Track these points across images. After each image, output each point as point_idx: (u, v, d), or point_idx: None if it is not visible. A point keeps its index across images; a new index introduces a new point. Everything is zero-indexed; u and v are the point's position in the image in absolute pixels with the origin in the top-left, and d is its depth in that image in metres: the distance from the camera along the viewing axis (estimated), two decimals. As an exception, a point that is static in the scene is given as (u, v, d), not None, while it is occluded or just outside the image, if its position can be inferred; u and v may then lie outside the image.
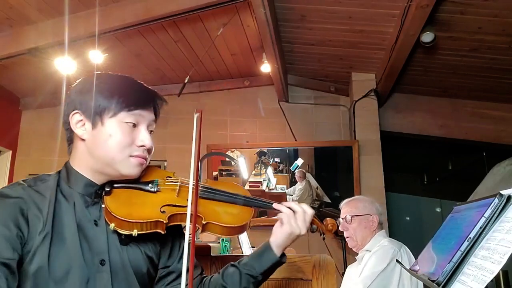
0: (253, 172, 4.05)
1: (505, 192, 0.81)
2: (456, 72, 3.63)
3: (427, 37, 2.94)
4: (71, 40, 2.91)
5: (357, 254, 2.27)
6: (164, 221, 0.98)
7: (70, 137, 1.06)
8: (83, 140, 1.01)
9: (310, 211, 1.12)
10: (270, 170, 4.05)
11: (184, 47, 3.54)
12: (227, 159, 4.03)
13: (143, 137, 1.02)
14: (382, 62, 3.60)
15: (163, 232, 0.99)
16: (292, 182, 4.00)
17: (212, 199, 1.10)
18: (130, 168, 1.01)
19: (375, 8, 2.93)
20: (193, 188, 0.98)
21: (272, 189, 4.00)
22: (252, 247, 2.32)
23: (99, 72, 1.07)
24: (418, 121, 4.14)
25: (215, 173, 4.06)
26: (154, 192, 1.05)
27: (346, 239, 2.26)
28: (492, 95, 3.90)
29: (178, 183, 1.08)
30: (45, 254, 0.90)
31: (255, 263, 1.08)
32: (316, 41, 3.53)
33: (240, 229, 1.08)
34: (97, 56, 3.06)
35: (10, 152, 4.05)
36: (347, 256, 3.20)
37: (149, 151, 1.04)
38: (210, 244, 1.70)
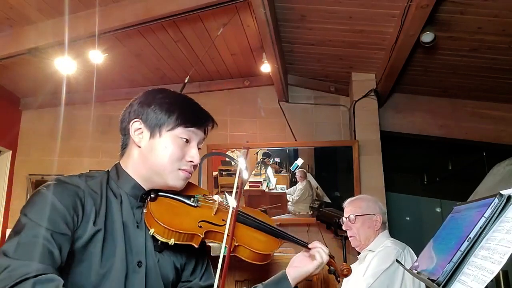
0: (253, 172, 4.05)
1: (505, 192, 0.81)
2: (456, 72, 3.62)
3: (427, 37, 2.94)
4: (71, 40, 2.91)
5: (359, 253, 2.27)
6: (201, 236, 1.02)
7: (125, 142, 1.13)
8: (139, 147, 1.08)
9: (327, 258, 1.20)
10: (270, 170, 4.05)
11: (184, 47, 3.54)
12: (227, 159, 4.03)
13: (193, 153, 1.10)
14: (382, 62, 3.59)
15: (196, 246, 1.03)
16: (292, 182, 4.00)
17: (245, 223, 1.16)
18: (177, 180, 1.08)
19: (375, 8, 2.93)
20: (233, 210, 1.04)
21: (272, 189, 4.00)
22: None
23: (159, 88, 1.16)
24: (418, 121, 4.13)
25: (215, 173, 4.06)
26: (194, 206, 1.12)
27: (350, 239, 2.26)
28: (492, 95, 3.90)
29: (217, 203, 1.15)
30: (98, 248, 0.95)
31: None
32: (316, 41, 3.53)
33: (266, 257, 1.12)
34: (97, 56, 3.06)
35: (10, 152, 4.05)
36: (348, 256, 3.20)
37: (195, 167, 1.11)
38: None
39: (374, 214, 2.19)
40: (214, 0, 2.75)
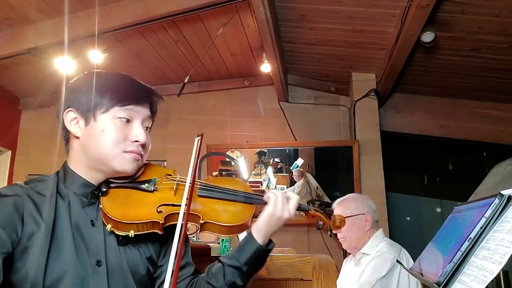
0: (253, 172, 4.05)
1: (506, 192, 0.81)
2: (456, 72, 3.62)
3: (428, 37, 2.93)
4: (71, 40, 2.91)
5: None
6: (161, 221, 0.97)
7: (67, 136, 1.05)
8: (78, 137, 1.01)
9: (295, 196, 1.09)
10: (270, 170, 4.05)
11: (184, 47, 3.54)
12: (227, 159, 4.02)
13: (137, 132, 1.00)
14: (382, 62, 3.59)
15: (160, 233, 0.98)
16: (292, 182, 4.00)
17: (211, 197, 1.07)
18: (124, 164, 0.99)
19: (376, 8, 2.93)
20: (189, 186, 0.97)
21: (272, 189, 4.00)
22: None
23: (92, 71, 1.06)
24: (418, 121, 4.13)
25: (215, 173, 4.06)
26: (151, 191, 1.03)
27: (340, 241, 2.20)
28: (492, 95, 3.90)
29: (176, 182, 1.06)
30: (43, 255, 0.89)
31: (238, 253, 1.03)
32: (317, 41, 3.52)
33: (240, 228, 1.06)
34: (97, 56, 3.05)
35: (10, 152, 4.05)
36: (347, 256, 3.19)
37: (144, 146, 1.02)
38: (210, 245, 1.70)
39: (363, 214, 2.13)
40: (214, 0, 2.74)
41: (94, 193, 1.01)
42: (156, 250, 1.06)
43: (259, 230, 1.04)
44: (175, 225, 0.98)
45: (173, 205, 1.01)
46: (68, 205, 0.97)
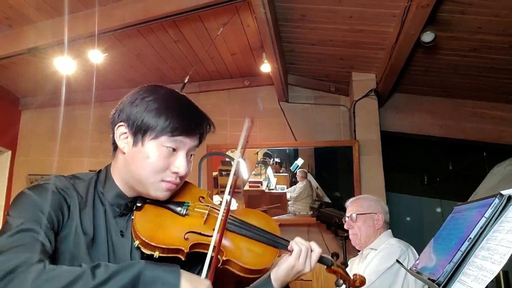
0: (253, 172, 4.05)
1: (506, 192, 0.81)
2: (457, 72, 3.62)
3: (428, 37, 2.93)
4: (71, 40, 2.91)
5: (359, 251, 2.27)
6: (186, 250, 0.98)
7: (115, 144, 1.06)
8: (124, 153, 1.02)
9: (318, 250, 1.10)
10: (270, 170, 4.05)
11: (184, 47, 3.54)
12: (227, 159, 4.02)
13: (179, 164, 1.00)
14: (383, 62, 3.59)
15: (183, 259, 0.99)
16: (293, 182, 3.99)
17: (238, 233, 1.07)
18: (159, 192, 1.01)
19: (376, 8, 2.93)
20: (221, 220, 0.98)
21: (272, 189, 3.99)
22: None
23: (152, 85, 1.07)
24: (418, 121, 4.13)
25: (215, 173, 4.06)
26: (182, 215, 1.05)
27: (350, 237, 2.27)
28: (493, 95, 3.90)
29: (207, 210, 1.07)
30: (84, 253, 0.93)
31: None
32: (317, 41, 3.52)
33: (259, 272, 1.05)
34: (96, 56, 3.05)
35: (10, 152, 4.05)
36: (348, 256, 3.19)
37: (182, 177, 1.03)
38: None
39: (376, 213, 2.21)
40: (214, 0, 2.74)
41: (128, 206, 1.04)
42: None
43: (277, 279, 1.07)
44: (198, 252, 1.00)
45: (200, 234, 1.02)
46: (105, 211, 1.01)
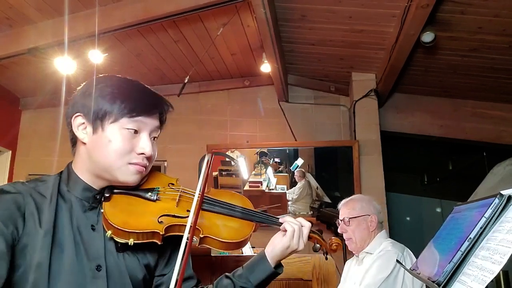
0: (253, 172, 4.05)
1: (506, 192, 0.81)
2: (456, 72, 3.62)
3: (427, 37, 2.93)
4: (71, 40, 2.91)
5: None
6: (161, 232, 0.96)
7: (73, 139, 1.03)
8: (84, 143, 0.99)
9: (307, 224, 1.11)
10: (270, 170, 4.05)
11: (184, 47, 3.54)
12: (227, 159, 4.02)
13: (144, 144, 0.99)
14: (382, 62, 3.59)
15: (159, 243, 0.98)
16: (293, 183, 4.00)
17: (212, 211, 1.07)
18: (128, 176, 0.99)
19: (376, 8, 2.93)
20: (197, 201, 0.97)
21: (272, 189, 3.99)
22: (252, 247, 2.31)
23: (104, 75, 1.04)
24: (418, 121, 4.13)
25: (215, 173, 4.06)
26: (153, 200, 1.03)
27: (346, 242, 2.22)
28: (493, 95, 3.90)
29: (179, 193, 1.06)
30: (46, 257, 0.88)
31: (250, 274, 1.06)
32: (316, 41, 3.52)
33: (238, 245, 1.06)
34: (96, 56, 3.05)
35: (10, 152, 4.06)
36: (347, 256, 3.19)
37: (149, 158, 1.02)
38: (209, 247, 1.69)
39: (369, 215, 2.17)
40: (214, 0, 2.74)
41: (96, 198, 1.01)
42: (154, 258, 1.06)
43: (273, 258, 1.07)
44: (174, 235, 0.99)
45: (174, 216, 1.01)
46: (70, 208, 0.97)
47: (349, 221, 2.18)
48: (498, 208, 0.80)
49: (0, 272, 0.83)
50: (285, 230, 1.08)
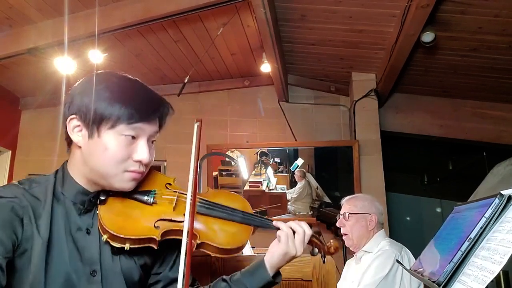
0: (253, 172, 4.05)
1: (506, 192, 0.81)
2: (457, 72, 3.62)
3: (428, 37, 2.93)
4: (71, 40, 2.91)
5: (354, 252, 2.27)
6: (157, 238, 0.95)
7: (69, 139, 1.00)
8: (79, 147, 0.96)
9: (309, 232, 1.07)
10: (270, 170, 4.05)
11: (184, 47, 3.54)
12: (227, 159, 4.02)
13: (141, 151, 0.95)
14: (382, 62, 3.59)
15: (155, 248, 0.96)
16: (293, 183, 4.00)
17: (209, 215, 1.05)
18: (124, 183, 0.96)
19: (376, 8, 2.93)
20: (190, 204, 0.92)
21: (272, 189, 3.99)
22: (253, 247, 2.31)
23: (103, 71, 1.00)
24: (418, 121, 4.13)
25: (215, 173, 4.06)
26: (150, 204, 1.01)
27: (343, 237, 2.26)
28: (493, 95, 3.90)
29: (176, 196, 1.03)
30: (41, 262, 0.87)
31: (247, 281, 1.03)
32: (316, 41, 3.52)
33: (235, 251, 1.04)
34: (97, 56, 3.05)
35: (10, 152, 4.05)
36: (348, 256, 3.19)
37: (146, 165, 0.99)
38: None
39: (369, 214, 2.19)
40: (214, 0, 2.74)
41: (91, 201, 0.98)
42: (150, 258, 1.05)
43: (272, 266, 1.05)
44: (171, 239, 0.98)
45: (171, 220, 0.99)
46: (65, 211, 0.95)
47: (348, 216, 2.20)
48: (498, 208, 0.80)
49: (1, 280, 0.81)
50: (279, 238, 1.05)
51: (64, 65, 3.06)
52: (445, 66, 3.55)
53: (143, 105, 0.96)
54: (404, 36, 2.97)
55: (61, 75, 3.22)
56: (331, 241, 1.14)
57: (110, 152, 0.92)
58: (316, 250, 1.14)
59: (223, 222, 1.05)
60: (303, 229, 1.06)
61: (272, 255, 1.05)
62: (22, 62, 3.34)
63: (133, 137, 0.94)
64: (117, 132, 0.93)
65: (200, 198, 1.06)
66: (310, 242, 1.12)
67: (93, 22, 2.83)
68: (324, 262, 1.19)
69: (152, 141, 1.01)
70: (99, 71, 1.00)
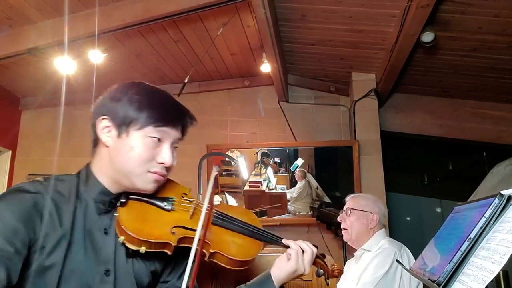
0: (253, 172, 4.05)
1: (505, 192, 0.81)
2: (456, 72, 3.62)
3: (427, 37, 2.93)
4: (71, 40, 2.91)
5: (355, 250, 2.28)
6: (173, 244, 0.97)
7: (95, 141, 1.06)
8: (107, 146, 1.01)
9: (315, 251, 1.14)
10: (270, 170, 4.05)
11: (184, 47, 3.54)
12: (227, 159, 4.02)
13: (165, 154, 1.01)
14: (382, 62, 3.59)
15: (169, 253, 0.98)
16: (293, 183, 4.00)
17: (223, 226, 1.09)
18: (146, 184, 1.01)
19: (376, 8, 2.93)
20: (205, 214, 0.96)
21: (272, 189, 3.99)
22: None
23: (134, 81, 1.07)
24: (418, 121, 4.13)
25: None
26: (168, 210, 1.04)
27: (342, 231, 2.29)
28: (493, 95, 3.90)
29: (193, 205, 1.07)
30: (60, 257, 0.89)
31: None
32: (316, 41, 3.52)
33: (245, 264, 1.07)
34: (97, 56, 3.05)
35: (10, 152, 4.05)
36: (348, 256, 3.19)
37: (169, 168, 1.03)
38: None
39: (371, 213, 2.21)
40: (214, 0, 2.74)
41: (112, 202, 1.02)
42: (161, 265, 1.07)
43: (279, 280, 1.11)
44: (184, 246, 1.00)
45: (187, 228, 1.02)
46: (85, 209, 0.98)
47: (350, 212, 2.23)
48: (498, 208, 0.80)
49: (13, 273, 0.82)
50: (289, 255, 1.11)
51: (64, 65, 3.06)
52: (445, 66, 3.55)
53: (170, 111, 1.04)
54: (404, 36, 2.97)
55: (61, 75, 3.22)
56: (335, 264, 1.19)
57: (136, 151, 0.98)
58: (321, 271, 1.20)
59: (235, 235, 1.09)
60: (311, 249, 1.14)
61: (280, 271, 1.11)
62: (22, 62, 3.34)
63: (159, 140, 1.00)
64: (144, 134, 0.99)
65: (216, 210, 1.10)
66: (316, 263, 1.18)
67: (93, 22, 2.83)
68: (328, 284, 1.27)
69: (175, 147, 1.06)
70: (129, 81, 1.08)
